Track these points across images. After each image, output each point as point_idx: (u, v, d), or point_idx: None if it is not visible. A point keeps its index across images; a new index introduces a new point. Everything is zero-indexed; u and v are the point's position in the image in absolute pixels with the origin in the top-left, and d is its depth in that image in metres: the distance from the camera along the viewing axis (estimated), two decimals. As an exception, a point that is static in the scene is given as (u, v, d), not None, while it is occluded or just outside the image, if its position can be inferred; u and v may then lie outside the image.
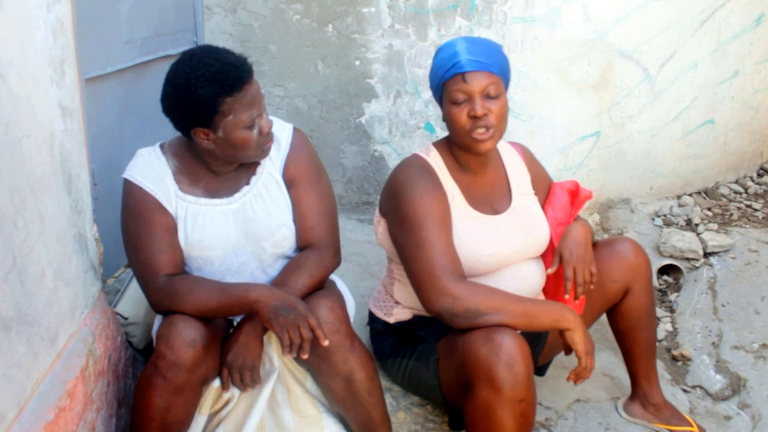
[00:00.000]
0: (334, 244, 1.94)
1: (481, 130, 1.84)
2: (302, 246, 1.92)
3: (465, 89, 1.83)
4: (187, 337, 1.66)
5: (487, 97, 1.84)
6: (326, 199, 1.95)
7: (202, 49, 1.80)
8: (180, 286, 1.75)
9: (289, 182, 1.92)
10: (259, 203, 1.88)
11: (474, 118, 1.83)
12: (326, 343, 1.68)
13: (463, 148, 1.93)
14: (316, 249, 1.89)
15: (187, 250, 1.85)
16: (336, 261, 1.94)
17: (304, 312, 1.69)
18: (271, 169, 1.92)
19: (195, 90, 1.70)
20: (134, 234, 1.82)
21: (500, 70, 1.86)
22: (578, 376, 1.85)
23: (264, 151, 1.84)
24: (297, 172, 1.92)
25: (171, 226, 1.83)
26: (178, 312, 1.72)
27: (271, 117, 1.92)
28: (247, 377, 1.76)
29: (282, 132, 1.94)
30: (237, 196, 1.88)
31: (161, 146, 1.90)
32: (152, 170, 1.84)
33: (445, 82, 1.86)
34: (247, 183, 1.90)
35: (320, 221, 1.91)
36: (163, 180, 1.84)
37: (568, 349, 1.84)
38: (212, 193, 1.88)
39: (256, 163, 1.91)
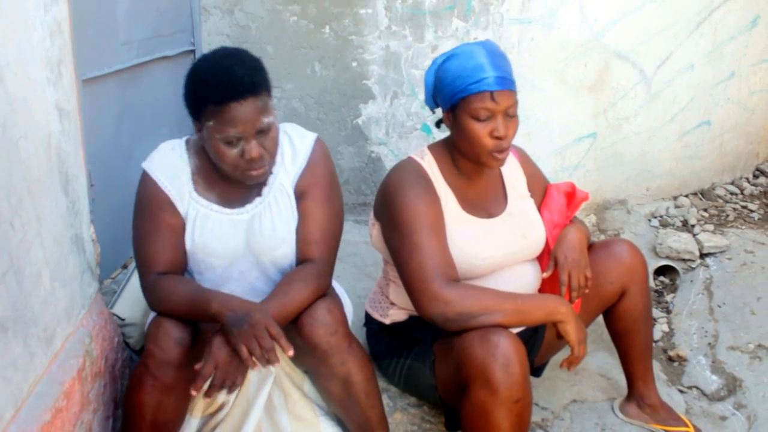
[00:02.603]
0: (330, 265, 1.87)
1: (502, 150, 1.85)
2: (300, 258, 1.86)
3: (491, 108, 1.80)
4: (175, 336, 1.66)
5: (507, 115, 1.83)
6: (334, 218, 1.88)
7: (225, 50, 1.76)
8: (163, 287, 1.74)
9: (300, 193, 1.86)
10: (267, 217, 1.83)
11: (497, 138, 1.82)
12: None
13: (474, 161, 1.91)
14: (313, 266, 1.81)
15: (191, 252, 1.84)
16: (328, 282, 1.85)
17: (260, 320, 1.60)
18: (283, 179, 1.86)
19: (191, 84, 1.70)
20: (140, 227, 1.81)
21: (515, 84, 1.86)
22: (571, 363, 1.87)
23: (246, 177, 1.74)
24: (310, 184, 1.85)
25: (178, 226, 1.81)
26: (163, 312, 1.73)
27: (293, 125, 1.89)
28: (226, 386, 1.66)
29: (302, 142, 1.88)
30: (249, 207, 1.84)
31: (187, 141, 1.87)
32: (170, 166, 1.82)
33: (468, 96, 1.82)
34: (259, 194, 1.85)
35: (323, 239, 1.85)
36: (180, 178, 1.82)
37: (561, 337, 1.85)
38: (226, 202, 1.84)
39: (269, 174, 1.84)
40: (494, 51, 1.86)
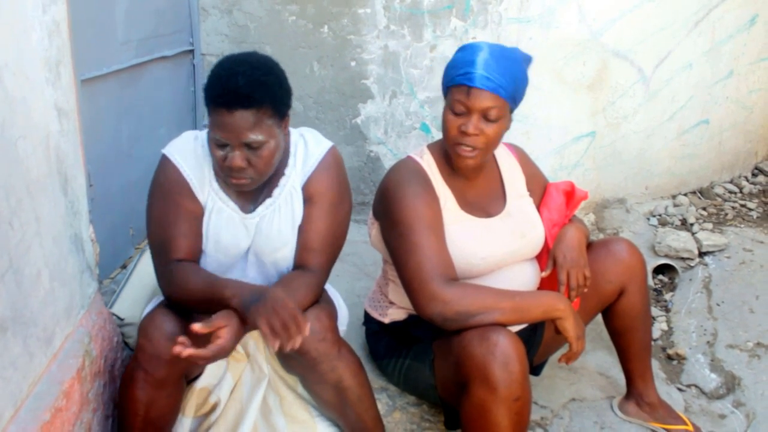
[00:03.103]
0: (326, 275, 1.86)
1: (467, 148, 1.84)
2: (297, 263, 1.85)
3: (466, 103, 1.81)
4: (166, 330, 1.65)
5: (486, 118, 1.82)
6: (337, 227, 1.87)
7: (249, 56, 1.73)
8: (179, 274, 1.73)
9: (307, 197, 1.86)
10: (275, 219, 1.84)
11: (463, 133, 1.82)
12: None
13: (449, 152, 1.92)
14: (308, 275, 1.81)
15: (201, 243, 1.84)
16: (320, 293, 1.85)
17: (278, 295, 1.60)
18: (295, 181, 1.86)
19: (209, 75, 1.71)
20: (158, 212, 1.80)
21: (509, 94, 1.82)
22: (569, 358, 1.88)
23: (227, 180, 1.75)
24: (316, 191, 1.85)
25: (198, 213, 1.81)
26: (175, 298, 1.73)
27: (311, 131, 1.90)
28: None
29: (317, 147, 1.88)
30: (260, 209, 1.84)
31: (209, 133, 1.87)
32: (193, 155, 1.81)
33: (452, 87, 1.84)
34: (270, 195, 1.85)
35: (322, 248, 1.84)
36: (201, 168, 1.81)
37: (559, 332, 1.85)
38: (240, 201, 1.84)
39: (281, 176, 1.85)
40: (496, 53, 1.84)
